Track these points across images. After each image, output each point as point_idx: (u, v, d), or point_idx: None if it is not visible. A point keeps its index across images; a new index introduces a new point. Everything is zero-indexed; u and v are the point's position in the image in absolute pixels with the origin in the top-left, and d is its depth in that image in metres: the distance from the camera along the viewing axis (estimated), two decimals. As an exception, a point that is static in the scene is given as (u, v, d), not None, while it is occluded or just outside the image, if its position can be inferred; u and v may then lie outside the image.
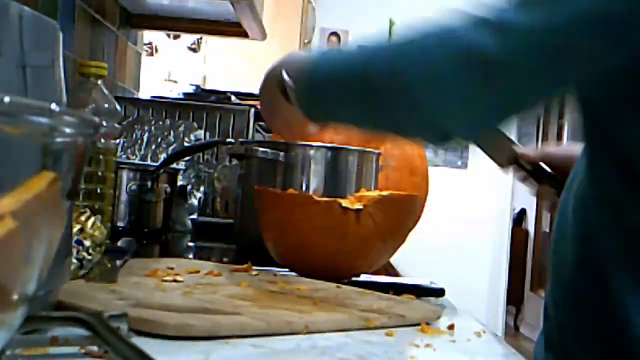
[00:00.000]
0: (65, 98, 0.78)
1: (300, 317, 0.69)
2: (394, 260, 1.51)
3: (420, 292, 0.99)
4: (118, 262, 0.98)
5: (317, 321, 0.69)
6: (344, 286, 0.92)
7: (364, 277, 1.06)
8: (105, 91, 1.15)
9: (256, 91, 0.99)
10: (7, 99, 0.29)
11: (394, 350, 0.67)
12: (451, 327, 0.76)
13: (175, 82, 3.24)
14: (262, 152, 1.25)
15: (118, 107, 1.17)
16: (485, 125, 0.81)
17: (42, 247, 0.35)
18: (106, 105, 1.14)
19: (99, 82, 1.14)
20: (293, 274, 1.04)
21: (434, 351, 0.67)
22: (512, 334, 6.07)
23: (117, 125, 1.17)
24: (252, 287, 0.85)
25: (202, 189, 1.74)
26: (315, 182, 1.23)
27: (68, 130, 0.32)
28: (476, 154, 1.19)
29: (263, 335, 0.65)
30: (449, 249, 4.46)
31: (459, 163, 4.64)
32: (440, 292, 1.00)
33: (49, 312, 0.57)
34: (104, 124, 1.27)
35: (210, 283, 0.86)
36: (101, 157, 1.15)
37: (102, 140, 1.14)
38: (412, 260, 1.54)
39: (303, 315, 0.70)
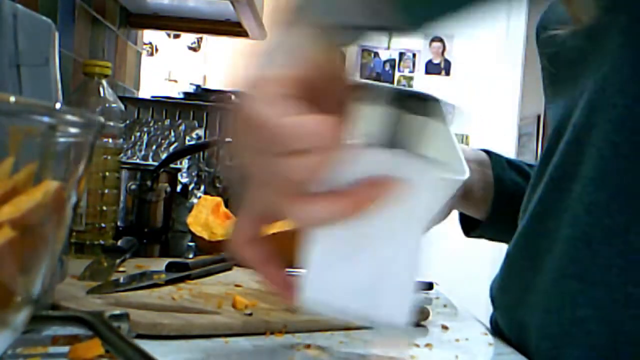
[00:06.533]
0: (60, 96, 0.78)
1: (279, 316, 0.69)
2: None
3: None
4: (117, 261, 0.98)
5: (296, 320, 0.69)
6: None
7: None
8: (110, 90, 1.15)
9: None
10: (12, 99, 0.29)
11: (394, 349, 0.67)
12: (445, 327, 0.76)
13: (175, 81, 3.25)
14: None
15: (122, 107, 1.17)
16: None
17: (46, 252, 0.35)
18: (111, 105, 1.14)
19: (103, 81, 1.14)
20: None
21: (434, 351, 0.67)
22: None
23: (120, 125, 1.17)
24: (240, 286, 0.85)
25: (202, 188, 1.74)
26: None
27: (72, 130, 0.33)
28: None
29: (254, 334, 0.65)
30: (449, 248, 4.45)
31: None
32: (428, 286, 1.01)
33: (47, 311, 0.57)
34: (110, 123, 1.26)
35: (197, 282, 0.86)
36: (105, 157, 1.15)
37: (105, 140, 1.14)
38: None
39: (282, 315, 0.70)
